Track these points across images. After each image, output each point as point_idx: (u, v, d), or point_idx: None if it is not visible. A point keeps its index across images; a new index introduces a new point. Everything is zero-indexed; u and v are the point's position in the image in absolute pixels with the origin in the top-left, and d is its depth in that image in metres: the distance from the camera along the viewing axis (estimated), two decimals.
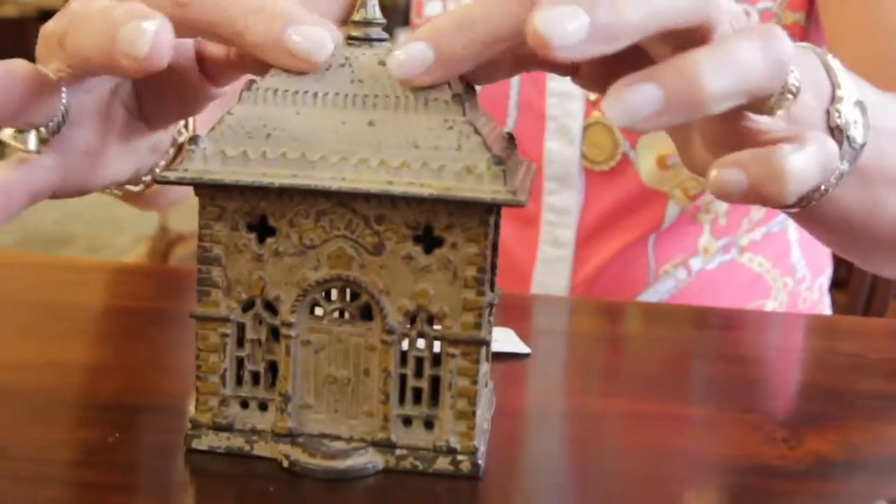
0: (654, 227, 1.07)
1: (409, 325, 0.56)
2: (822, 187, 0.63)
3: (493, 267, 0.58)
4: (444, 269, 0.55)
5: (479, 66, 0.55)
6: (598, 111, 1.06)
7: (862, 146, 0.63)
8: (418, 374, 0.56)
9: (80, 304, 0.87)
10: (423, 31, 0.53)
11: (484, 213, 0.54)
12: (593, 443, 0.64)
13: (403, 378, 0.56)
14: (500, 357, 0.73)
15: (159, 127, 0.66)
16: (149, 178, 0.73)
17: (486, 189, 0.53)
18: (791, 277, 1.14)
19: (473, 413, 0.56)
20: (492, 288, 0.58)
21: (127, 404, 0.64)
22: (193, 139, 0.55)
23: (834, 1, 1.01)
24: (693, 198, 1.07)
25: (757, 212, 1.10)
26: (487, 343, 0.56)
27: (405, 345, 0.56)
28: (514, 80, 1.07)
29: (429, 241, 0.55)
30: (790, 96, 0.55)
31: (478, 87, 0.60)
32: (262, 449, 0.57)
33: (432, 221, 0.54)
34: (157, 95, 0.64)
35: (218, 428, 0.58)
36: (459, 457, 0.56)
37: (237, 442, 0.58)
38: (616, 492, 0.58)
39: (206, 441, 0.58)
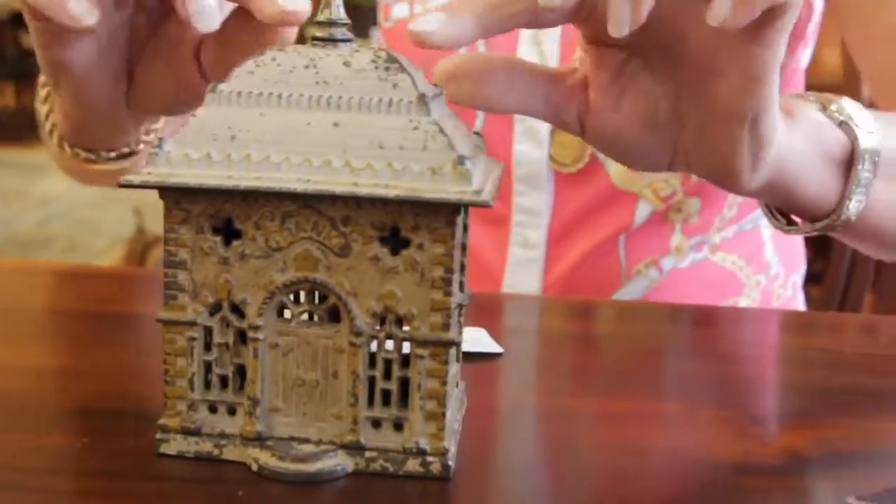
0: (624, 227, 1.07)
1: (377, 327, 0.55)
2: (855, 205, 0.68)
3: (462, 267, 0.58)
4: (412, 270, 0.54)
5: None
6: None
7: (876, 154, 0.67)
8: (387, 375, 0.56)
9: (49, 308, 0.87)
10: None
11: (450, 214, 0.53)
12: (566, 442, 0.63)
13: (372, 380, 0.56)
14: (472, 357, 0.72)
15: (138, 106, 0.68)
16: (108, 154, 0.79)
17: (451, 189, 0.52)
18: (764, 275, 1.14)
19: (443, 414, 0.56)
20: (461, 289, 0.58)
21: (96, 409, 0.64)
22: (158, 142, 0.55)
23: (853, 9, 1.02)
24: (664, 199, 1.07)
25: (729, 210, 1.10)
26: (456, 344, 0.56)
27: (373, 346, 0.56)
28: None
29: (395, 243, 0.54)
30: None
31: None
32: (232, 453, 0.57)
33: (398, 222, 0.54)
34: (154, 71, 0.67)
35: (187, 432, 0.57)
36: (429, 458, 0.56)
37: (206, 446, 0.57)
38: (589, 490, 0.57)
39: (175, 446, 0.57)
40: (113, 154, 0.80)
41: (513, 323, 0.87)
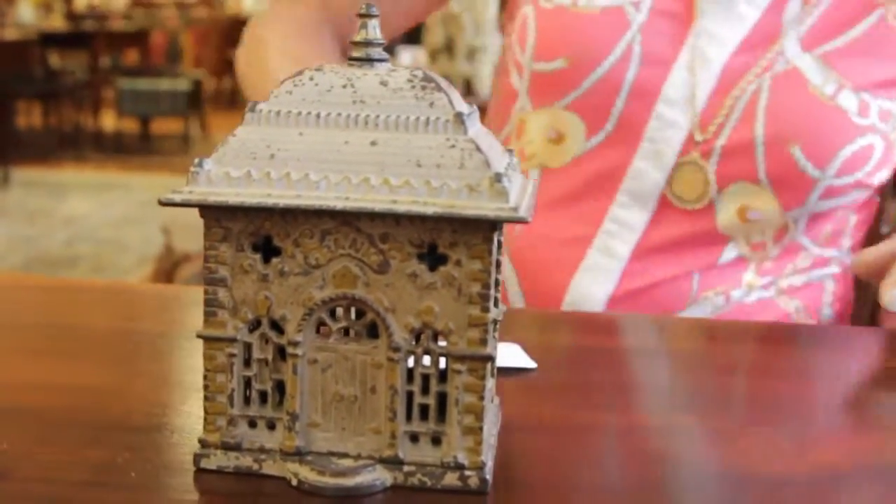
0: (709, 265, 1.08)
1: (414, 343, 0.56)
2: None
3: (497, 283, 0.58)
4: (449, 286, 0.55)
5: None
6: (696, 151, 1.06)
7: None
8: (425, 390, 0.57)
9: (85, 325, 0.87)
10: None
11: (487, 230, 0.54)
12: (601, 456, 0.64)
13: (410, 395, 0.57)
14: (506, 372, 0.73)
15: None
16: None
17: (489, 206, 0.53)
18: (816, 322, 1.14)
19: (480, 428, 0.56)
20: (496, 304, 0.58)
21: (135, 424, 0.64)
22: (198, 161, 0.55)
23: None
24: (755, 246, 1.07)
25: (803, 261, 1.10)
26: (493, 359, 0.57)
27: (411, 362, 0.56)
28: (623, 94, 1.08)
29: (433, 259, 0.55)
30: None
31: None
32: (271, 468, 0.58)
33: (436, 239, 0.55)
34: None
35: (226, 447, 0.58)
36: (467, 472, 0.56)
37: (246, 461, 0.58)
38: None
39: (214, 460, 0.58)
40: None
41: (546, 338, 0.88)
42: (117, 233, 5.68)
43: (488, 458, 0.57)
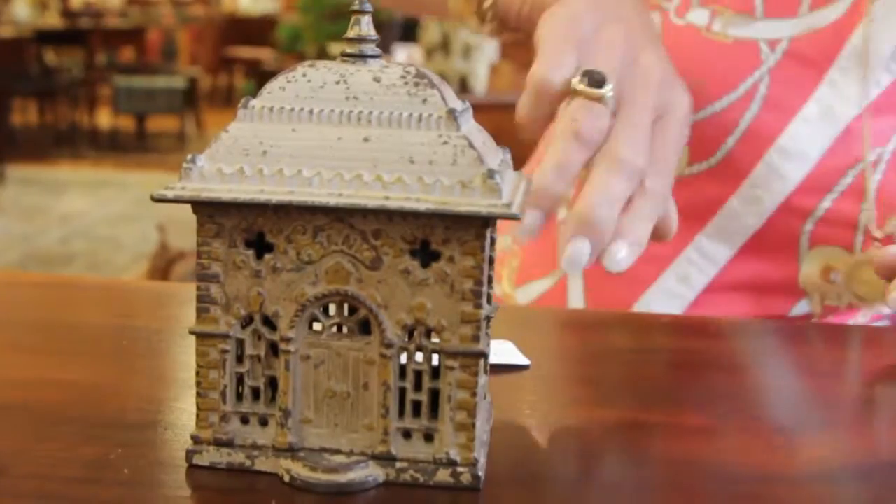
0: (778, 314, 1.05)
1: (407, 339, 0.56)
2: None
3: (490, 280, 0.58)
4: (442, 282, 0.55)
5: None
6: (877, 247, 1.01)
7: None
8: (417, 387, 0.57)
9: (81, 322, 0.87)
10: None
11: (480, 227, 0.54)
12: (593, 453, 0.64)
13: (403, 391, 0.57)
14: (499, 369, 0.73)
15: None
16: None
17: (481, 203, 0.53)
18: None
19: (473, 425, 0.56)
20: (489, 301, 0.59)
21: (129, 421, 0.65)
22: (191, 158, 0.55)
23: None
24: (827, 308, 1.06)
25: (863, 316, 1.09)
26: (486, 355, 0.57)
27: (404, 358, 0.56)
28: (737, 134, 1.02)
29: (426, 255, 0.55)
30: None
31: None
32: (263, 464, 0.58)
33: (429, 236, 0.55)
34: None
35: (219, 444, 0.58)
36: (460, 469, 0.56)
37: (238, 457, 0.58)
38: (617, 501, 0.58)
39: (207, 457, 0.58)
40: None
41: (540, 336, 0.88)
42: (113, 230, 5.69)
43: (481, 454, 0.57)
